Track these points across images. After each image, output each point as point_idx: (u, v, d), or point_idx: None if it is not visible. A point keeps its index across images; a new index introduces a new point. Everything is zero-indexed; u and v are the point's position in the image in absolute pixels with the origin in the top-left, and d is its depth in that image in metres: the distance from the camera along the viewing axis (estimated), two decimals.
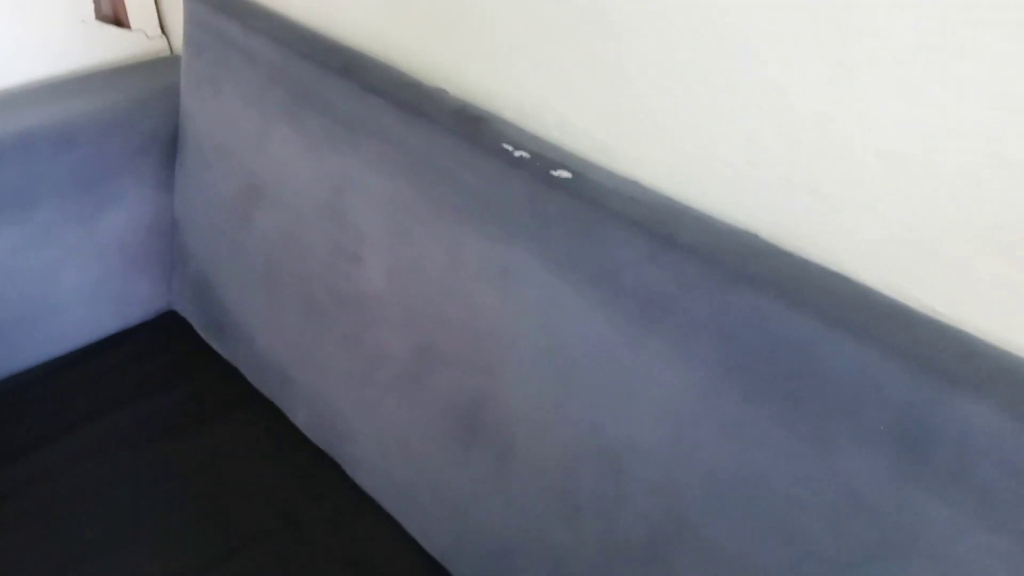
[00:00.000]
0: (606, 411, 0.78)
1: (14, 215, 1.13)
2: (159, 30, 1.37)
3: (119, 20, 1.33)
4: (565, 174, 0.82)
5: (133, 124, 1.21)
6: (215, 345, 1.23)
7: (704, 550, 0.72)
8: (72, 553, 0.97)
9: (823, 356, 0.66)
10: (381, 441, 0.98)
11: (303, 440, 1.09)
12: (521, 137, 0.87)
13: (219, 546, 0.99)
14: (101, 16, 1.31)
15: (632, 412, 0.76)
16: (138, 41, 1.35)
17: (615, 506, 0.78)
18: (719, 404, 0.71)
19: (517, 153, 0.84)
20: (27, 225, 1.15)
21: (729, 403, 0.70)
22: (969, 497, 0.60)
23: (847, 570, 0.64)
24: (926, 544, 0.61)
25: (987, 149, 0.61)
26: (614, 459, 0.78)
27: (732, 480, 0.71)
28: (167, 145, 1.24)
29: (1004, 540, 0.59)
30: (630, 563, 0.77)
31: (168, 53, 1.39)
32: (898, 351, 0.64)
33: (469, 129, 0.89)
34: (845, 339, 0.65)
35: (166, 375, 1.21)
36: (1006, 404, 0.59)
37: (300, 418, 1.10)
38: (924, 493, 0.61)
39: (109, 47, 1.33)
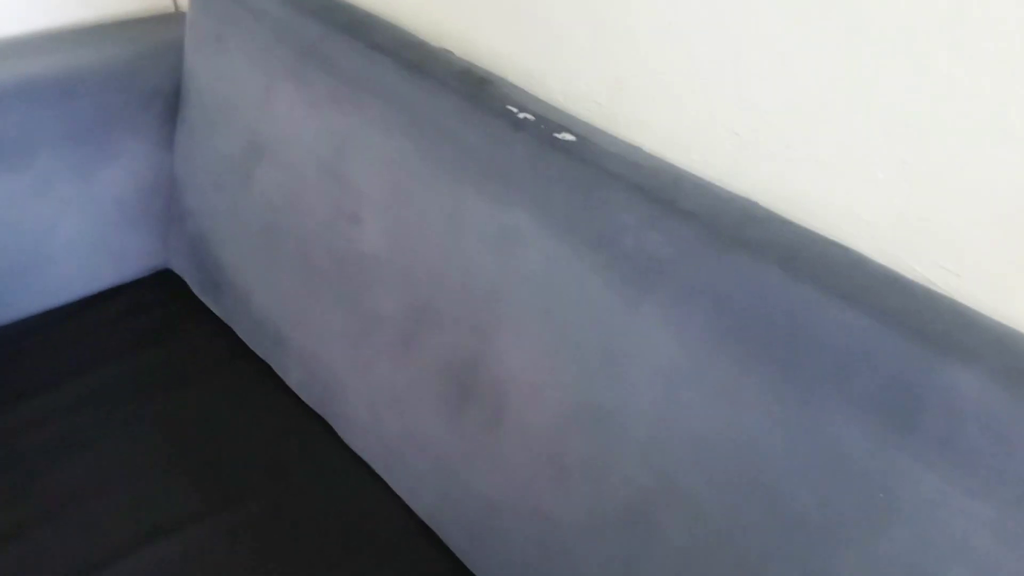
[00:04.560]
0: (599, 374, 0.78)
1: (12, 163, 1.13)
2: None
3: None
4: (568, 137, 0.82)
5: (135, 78, 1.21)
6: (210, 303, 1.23)
7: (690, 513, 0.73)
8: (56, 501, 0.97)
9: (816, 323, 0.66)
10: (373, 402, 0.99)
11: (295, 399, 1.09)
12: (525, 100, 0.87)
13: (205, 500, 0.99)
14: None
15: (624, 376, 0.77)
16: None
17: (604, 469, 0.78)
18: (711, 369, 0.71)
19: (521, 115, 0.85)
20: (25, 174, 1.14)
21: (721, 368, 0.71)
22: (955, 464, 0.60)
23: (831, 534, 0.65)
24: (910, 509, 0.62)
25: (992, 121, 0.62)
26: (605, 422, 0.78)
27: (721, 445, 0.71)
28: (169, 101, 1.23)
29: (987, 507, 0.59)
30: (616, 524, 0.77)
31: (173, 9, 1.38)
32: (890, 319, 0.64)
33: (473, 90, 0.89)
34: (838, 306, 0.66)
35: (159, 332, 1.21)
36: (995, 373, 0.60)
37: (293, 378, 1.10)
38: (910, 459, 0.62)
39: (115, 0, 1.32)
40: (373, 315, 0.97)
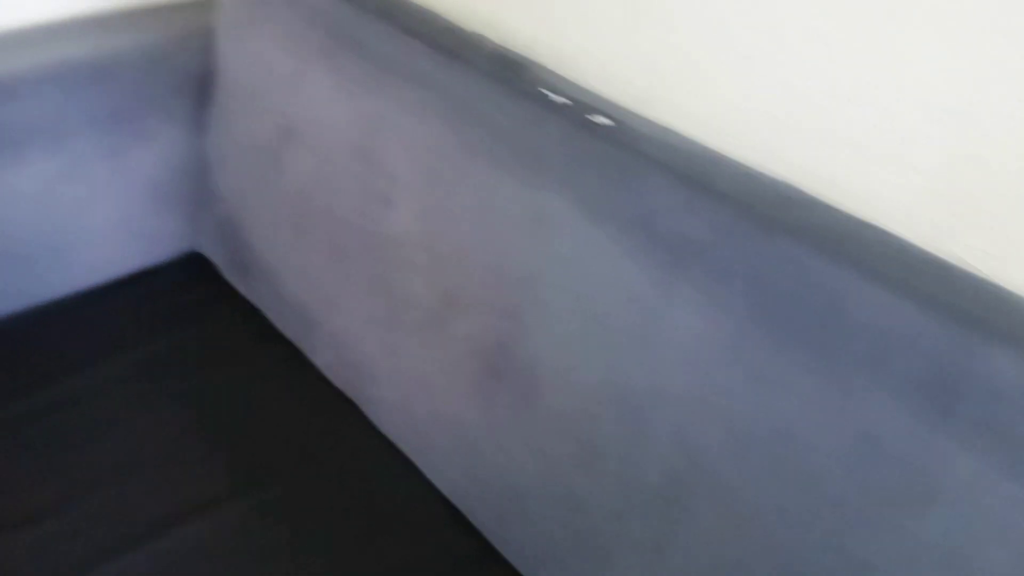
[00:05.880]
0: (632, 357, 0.78)
1: (48, 145, 1.14)
2: None
3: None
4: (603, 120, 0.82)
5: (169, 63, 1.21)
6: (239, 286, 1.23)
7: (722, 496, 0.73)
8: (85, 479, 0.97)
9: (854, 305, 0.66)
10: (403, 384, 0.99)
11: (324, 382, 1.10)
12: (559, 83, 0.87)
13: (234, 481, 0.99)
14: None
15: (658, 359, 0.76)
16: None
17: (636, 452, 0.78)
18: (746, 352, 0.71)
19: (555, 98, 0.85)
20: (60, 157, 1.15)
21: (757, 351, 0.71)
22: (996, 447, 0.60)
23: (869, 518, 0.65)
24: (949, 493, 0.61)
25: None
26: (638, 405, 0.78)
27: (755, 428, 0.71)
28: (202, 86, 1.24)
29: None
30: (647, 508, 0.77)
31: None
32: (929, 302, 0.64)
33: (507, 74, 0.89)
34: (877, 289, 0.65)
35: (189, 314, 1.22)
36: None
37: (322, 360, 1.11)
38: (949, 442, 0.61)
39: None
40: (403, 298, 0.98)
